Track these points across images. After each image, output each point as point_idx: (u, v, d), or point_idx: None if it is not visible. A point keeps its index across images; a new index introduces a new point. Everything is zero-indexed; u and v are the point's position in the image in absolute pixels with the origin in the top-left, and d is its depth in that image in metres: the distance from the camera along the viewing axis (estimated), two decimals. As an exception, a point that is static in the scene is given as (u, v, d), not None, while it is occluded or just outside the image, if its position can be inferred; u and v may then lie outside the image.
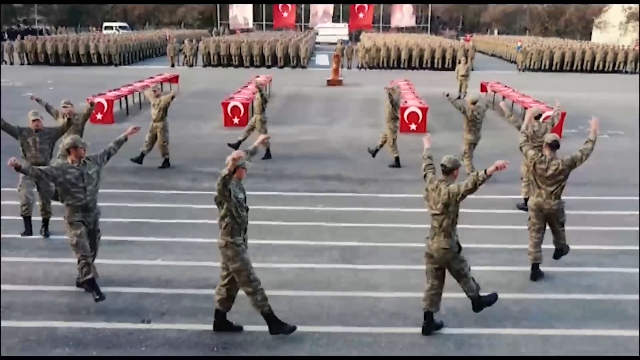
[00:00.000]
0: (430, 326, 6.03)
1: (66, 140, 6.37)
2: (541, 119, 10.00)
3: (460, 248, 5.93)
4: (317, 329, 6.02)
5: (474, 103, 11.37)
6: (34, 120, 8.13)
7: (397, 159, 12.61)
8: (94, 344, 5.77)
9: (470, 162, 11.44)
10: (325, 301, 6.65)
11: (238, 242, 5.58)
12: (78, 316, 6.25)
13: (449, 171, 5.81)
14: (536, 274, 7.30)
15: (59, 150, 9.22)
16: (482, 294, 6.15)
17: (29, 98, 9.95)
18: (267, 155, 13.16)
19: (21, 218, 8.44)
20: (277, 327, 5.85)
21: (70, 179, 6.20)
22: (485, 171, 5.52)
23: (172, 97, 12.38)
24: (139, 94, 18.83)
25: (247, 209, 5.64)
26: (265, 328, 6.01)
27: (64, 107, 9.40)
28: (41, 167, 6.27)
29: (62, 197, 6.37)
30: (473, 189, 5.59)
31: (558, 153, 7.19)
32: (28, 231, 8.34)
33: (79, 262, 6.40)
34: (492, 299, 6.22)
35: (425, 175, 6.07)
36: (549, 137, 7.27)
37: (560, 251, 7.53)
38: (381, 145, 12.75)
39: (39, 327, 6.03)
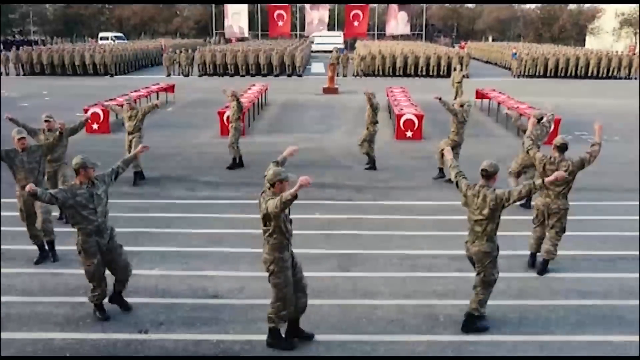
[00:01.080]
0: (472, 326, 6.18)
1: (75, 160, 6.02)
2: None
3: (498, 252, 6.07)
4: (315, 338, 6.00)
5: (462, 105, 11.77)
6: (19, 139, 7.60)
7: (373, 161, 12.95)
8: (90, 355, 5.73)
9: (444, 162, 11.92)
10: (323, 309, 6.63)
11: (286, 258, 5.55)
12: (75, 327, 6.22)
13: (490, 175, 5.91)
14: (534, 263, 7.75)
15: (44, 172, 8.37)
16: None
17: (5, 118, 9.29)
18: (241, 164, 13.15)
19: (17, 229, 8.40)
20: (277, 342, 5.82)
21: (80, 200, 5.91)
22: (543, 181, 5.67)
23: (155, 106, 11.91)
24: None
25: (291, 221, 5.59)
26: (262, 338, 6.01)
27: (45, 121, 9.01)
28: (52, 191, 5.93)
29: (73, 221, 6.05)
30: (526, 196, 5.78)
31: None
32: (41, 257, 7.88)
33: (93, 289, 6.29)
34: (484, 328, 6.21)
35: (457, 183, 6.19)
36: (558, 139, 7.53)
37: (546, 264, 7.62)
38: (367, 154, 12.97)
39: (35, 338, 5.99)
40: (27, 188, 5.68)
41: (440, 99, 11.95)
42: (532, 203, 8.49)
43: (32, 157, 7.67)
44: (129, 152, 11.68)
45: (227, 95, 13.37)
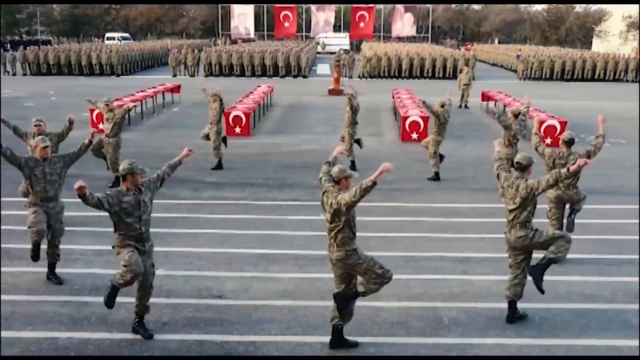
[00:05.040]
0: (514, 315, 6.38)
1: (122, 165, 5.69)
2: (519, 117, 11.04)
3: (536, 231, 6.30)
4: (319, 339, 5.99)
5: (442, 106, 12.00)
6: (43, 148, 6.93)
7: (353, 162, 12.95)
8: (95, 355, 5.74)
9: (436, 162, 12.21)
10: (327, 311, 6.58)
11: (355, 247, 5.57)
12: (79, 326, 6.23)
13: (525, 168, 6.21)
14: None
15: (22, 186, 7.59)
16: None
17: None
18: (219, 166, 13.15)
19: (22, 228, 8.40)
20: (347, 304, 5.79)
21: (126, 207, 5.61)
22: (568, 169, 5.95)
23: (129, 110, 11.78)
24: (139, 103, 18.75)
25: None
26: (266, 338, 6.02)
27: (35, 125, 8.52)
28: (99, 195, 5.49)
29: (115, 227, 5.71)
30: (554, 184, 6.06)
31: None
32: (36, 256, 7.01)
33: (139, 300, 5.91)
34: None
35: (498, 175, 6.47)
36: (565, 134, 7.98)
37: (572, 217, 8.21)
38: (349, 157, 12.98)
39: (40, 337, 6.01)
40: (77, 185, 5.20)
41: (424, 102, 12.20)
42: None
43: (54, 169, 7.05)
44: (102, 155, 11.28)
45: (208, 95, 13.05)
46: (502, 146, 6.76)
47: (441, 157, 12.44)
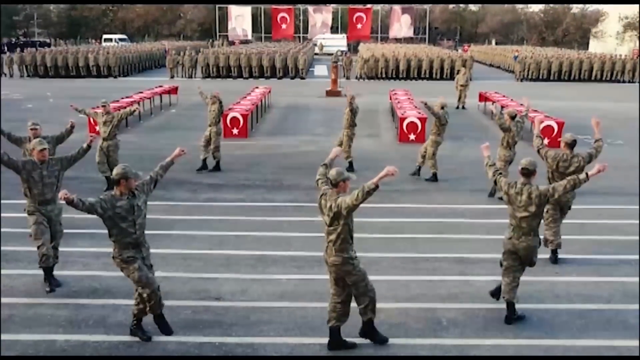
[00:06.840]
0: (513, 316, 6.37)
1: (116, 170, 5.62)
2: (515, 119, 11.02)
3: (540, 242, 6.44)
4: (318, 341, 5.98)
5: (442, 107, 12.06)
6: (40, 151, 6.92)
7: (351, 163, 12.95)
8: (93, 356, 5.73)
9: (434, 164, 12.26)
10: (325, 312, 6.57)
11: (353, 255, 5.57)
12: (77, 329, 6.21)
13: (531, 173, 6.18)
14: (557, 259, 8.03)
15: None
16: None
17: None
18: (217, 167, 13.11)
19: (20, 230, 8.38)
20: (375, 335, 5.92)
21: (120, 212, 5.54)
22: (587, 174, 6.00)
23: (131, 113, 11.71)
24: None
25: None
26: (264, 340, 6.00)
27: (31, 129, 8.38)
28: (91, 200, 5.46)
29: (110, 233, 5.68)
30: (571, 190, 6.15)
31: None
32: (53, 285, 7.09)
33: (138, 302, 5.83)
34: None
35: (496, 181, 6.45)
36: (567, 137, 7.99)
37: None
38: (348, 159, 12.98)
39: (38, 339, 5.99)
40: (62, 195, 5.20)
41: (425, 103, 12.20)
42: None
43: (52, 171, 7.04)
44: (101, 160, 11.19)
45: (206, 98, 13.05)
46: (487, 150, 6.72)
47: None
